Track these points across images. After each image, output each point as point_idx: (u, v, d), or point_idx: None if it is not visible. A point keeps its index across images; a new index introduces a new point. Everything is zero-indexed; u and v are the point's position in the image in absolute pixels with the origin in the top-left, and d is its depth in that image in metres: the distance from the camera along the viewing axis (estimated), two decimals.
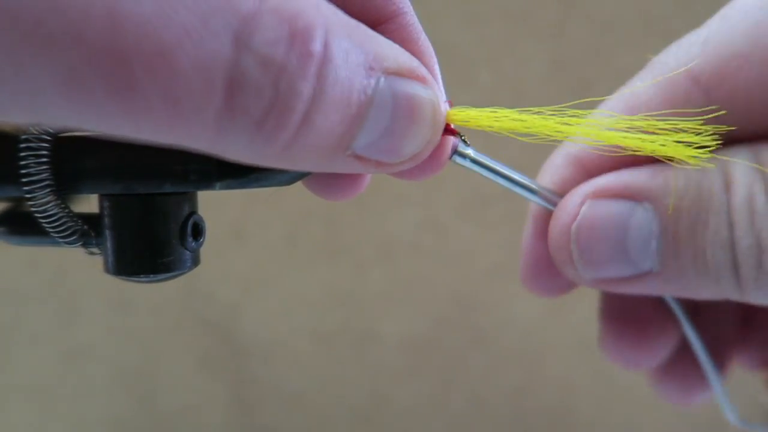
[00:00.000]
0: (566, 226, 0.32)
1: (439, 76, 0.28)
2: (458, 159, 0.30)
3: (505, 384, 0.76)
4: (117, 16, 0.18)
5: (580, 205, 0.32)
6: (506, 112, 0.28)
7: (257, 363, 0.76)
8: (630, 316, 0.39)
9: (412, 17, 0.27)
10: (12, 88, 0.19)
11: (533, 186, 0.33)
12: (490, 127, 0.28)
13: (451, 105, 0.28)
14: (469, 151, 0.30)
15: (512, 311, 0.75)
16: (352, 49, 0.22)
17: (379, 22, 0.26)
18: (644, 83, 0.33)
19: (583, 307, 0.78)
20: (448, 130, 0.28)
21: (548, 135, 0.28)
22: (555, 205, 0.33)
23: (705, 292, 0.31)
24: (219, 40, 0.19)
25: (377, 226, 0.74)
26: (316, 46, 0.21)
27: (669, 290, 0.31)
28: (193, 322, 0.75)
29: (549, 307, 0.76)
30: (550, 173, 0.35)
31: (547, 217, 0.34)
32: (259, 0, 0.20)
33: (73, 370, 0.75)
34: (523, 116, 0.28)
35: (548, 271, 0.37)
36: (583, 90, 0.70)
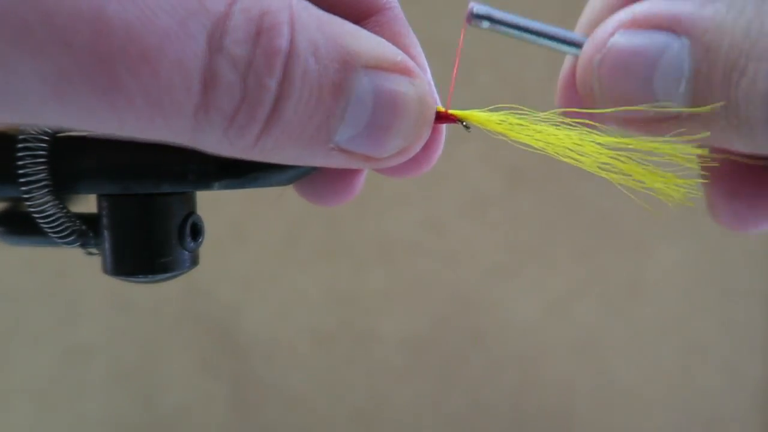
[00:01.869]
0: (591, 60, 0.28)
1: (427, 70, 0.27)
2: (477, 22, 0.28)
3: (505, 384, 0.76)
4: (103, 21, 0.19)
5: (611, 35, 0.27)
6: (503, 116, 0.28)
7: (257, 363, 0.76)
8: (739, 173, 0.32)
9: (398, 11, 0.27)
10: (3, 90, 0.20)
11: (567, 36, 0.30)
12: (486, 127, 0.28)
13: (448, 115, 0.27)
14: (493, 12, 0.28)
15: (512, 311, 0.75)
16: (322, 43, 0.23)
17: (368, 15, 0.26)
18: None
19: (583, 307, 0.78)
20: (447, 118, 0.27)
21: (544, 146, 0.28)
22: None
23: (738, 145, 0.27)
24: (195, 41, 0.21)
25: (377, 226, 0.74)
26: (282, 43, 0.22)
27: (698, 138, 0.27)
28: (193, 322, 0.75)
29: (549, 307, 0.76)
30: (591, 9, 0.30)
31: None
32: (230, 2, 0.21)
33: (73, 370, 0.75)
34: (522, 121, 0.28)
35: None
36: None
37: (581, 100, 0.29)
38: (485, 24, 0.28)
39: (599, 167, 0.27)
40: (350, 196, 0.31)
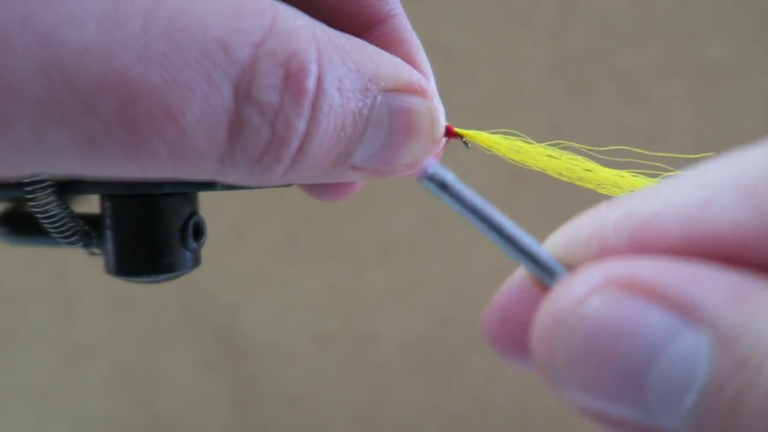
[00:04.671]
0: (560, 318, 0.19)
1: (431, 76, 0.28)
2: (427, 184, 0.21)
3: (506, 384, 0.76)
4: (128, 86, 0.19)
5: (594, 291, 0.18)
6: (501, 139, 0.28)
7: (257, 363, 0.76)
8: None
9: (403, 18, 0.27)
10: (33, 154, 0.20)
11: (527, 246, 0.22)
12: (487, 145, 0.28)
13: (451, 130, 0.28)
14: (448, 177, 0.21)
15: None
16: (346, 75, 0.23)
17: (373, 23, 0.27)
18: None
19: None
20: (448, 132, 0.28)
21: (540, 168, 0.28)
22: (555, 278, 0.21)
23: None
24: (221, 93, 0.21)
25: (377, 226, 0.74)
26: (310, 83, 0.22)
27: None
28: (193, 322, 0.75)
29: None
30: (576, 233, 0.21)
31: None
32: (256, 45, 0.21)
33: (73, 370, 0.75)
34: (517, 146, 0.28)
35: (519, 343, 0.23)
36: (583, 90, 0.70)
37: (528, 351, 0.20)
38: (435, 190, 0.21)
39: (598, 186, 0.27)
40: (352, 192, 0.32)
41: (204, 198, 0.32)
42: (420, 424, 0.76)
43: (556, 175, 0.27)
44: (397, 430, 0.76)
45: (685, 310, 0.17)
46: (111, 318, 0.75)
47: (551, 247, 0.22)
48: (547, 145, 0.27)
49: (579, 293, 0.19)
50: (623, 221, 0.20)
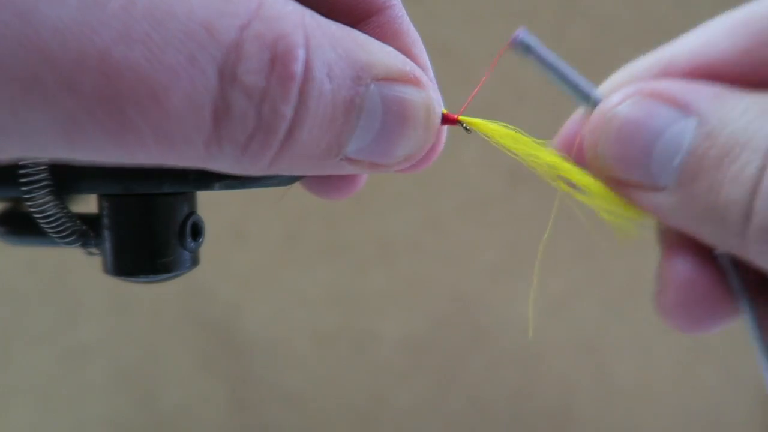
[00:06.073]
0: (603, 116, 0.29)
1: (429, 69, 0.27)
2: (520, 51, 0.30)
3: (505, 384, 0.76)
4: (110, 65, 0.19)
5: (624, 99, 0.29)
6: (502, 129, 0.29)
7: (257, 363, 0.76)
8: (694, 282, 0.33)
9: (400, 9, 0.27)
10: (13, 134, 0.20)
11: (586, 89, 0.31)
12: (487, 135, 0.29)
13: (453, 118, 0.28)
14: (531, 42, 0.30)
15: (512, 311, 0.75)
16: (336, 62, 0.22)
17: (369, 14, 0.26)
18: (715, 28, 0.30)
19: (583, 307, 0.78)
20: (449, 120, 0.28)
21: (533, 165, 0.29)
22: None
23: (707, 230, 0.28)
24: (206, 75, 0.20)
25: (377, 226, 0.74)
26: (297, 68, 0.21)
27: (676, 216, 0.29)
28: (193, 322, 0.75)
29: (549, 307, 0.76)
30: (629, 72, 0.31)
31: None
32: (241, 28, 0.21)
33: (73, 370, 0.75)
34: (519, 138, 0.29)
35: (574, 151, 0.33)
36: None
37: (579, 150, 0.31)
38: (526, 54, 0.30)
39: (580, 195, 0.30)
40: (354, 189, 0.31)
41: (203, 198, 0.31)
42: (420, 424, 0.76)
43: (549, 180, 0.30)
44: (396, 430, 0.76)
45: (682, 106, 0.28)
46: (111, 318, 0.75)
47: (607, 86, 0.31)
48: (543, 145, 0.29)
49: (615, 100, 0.29)
50: (652, 61, 0.31)
